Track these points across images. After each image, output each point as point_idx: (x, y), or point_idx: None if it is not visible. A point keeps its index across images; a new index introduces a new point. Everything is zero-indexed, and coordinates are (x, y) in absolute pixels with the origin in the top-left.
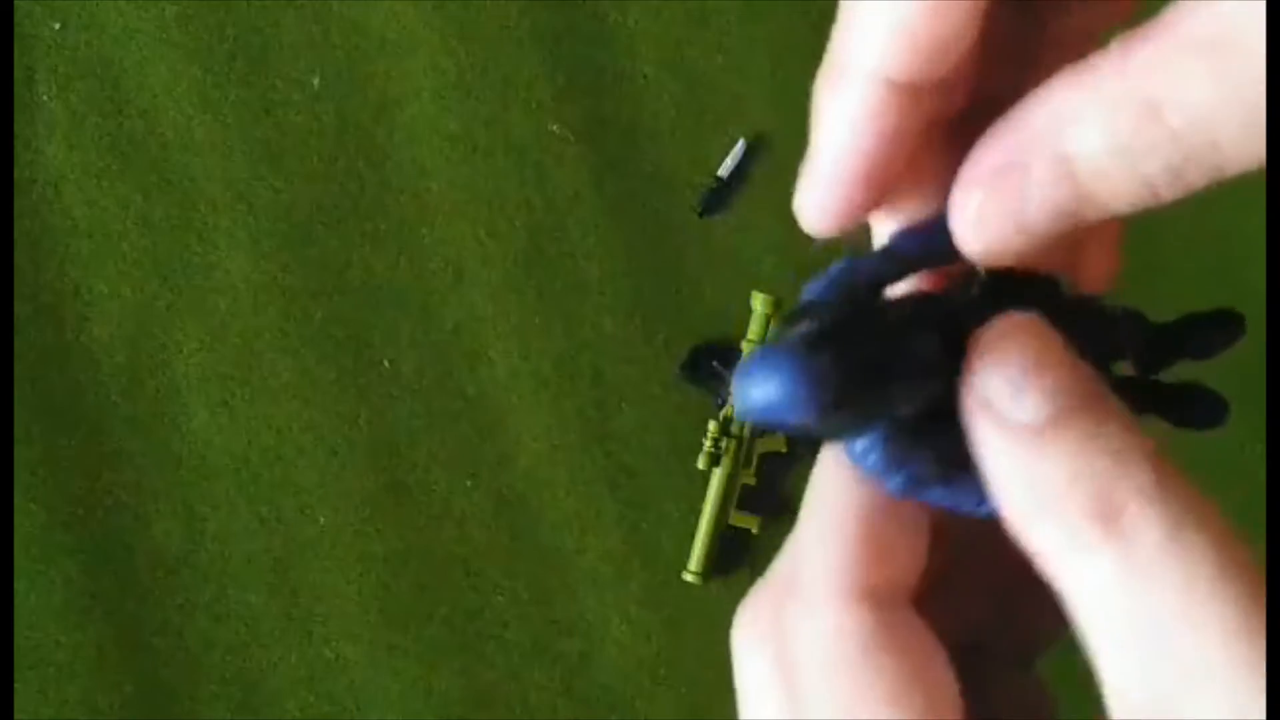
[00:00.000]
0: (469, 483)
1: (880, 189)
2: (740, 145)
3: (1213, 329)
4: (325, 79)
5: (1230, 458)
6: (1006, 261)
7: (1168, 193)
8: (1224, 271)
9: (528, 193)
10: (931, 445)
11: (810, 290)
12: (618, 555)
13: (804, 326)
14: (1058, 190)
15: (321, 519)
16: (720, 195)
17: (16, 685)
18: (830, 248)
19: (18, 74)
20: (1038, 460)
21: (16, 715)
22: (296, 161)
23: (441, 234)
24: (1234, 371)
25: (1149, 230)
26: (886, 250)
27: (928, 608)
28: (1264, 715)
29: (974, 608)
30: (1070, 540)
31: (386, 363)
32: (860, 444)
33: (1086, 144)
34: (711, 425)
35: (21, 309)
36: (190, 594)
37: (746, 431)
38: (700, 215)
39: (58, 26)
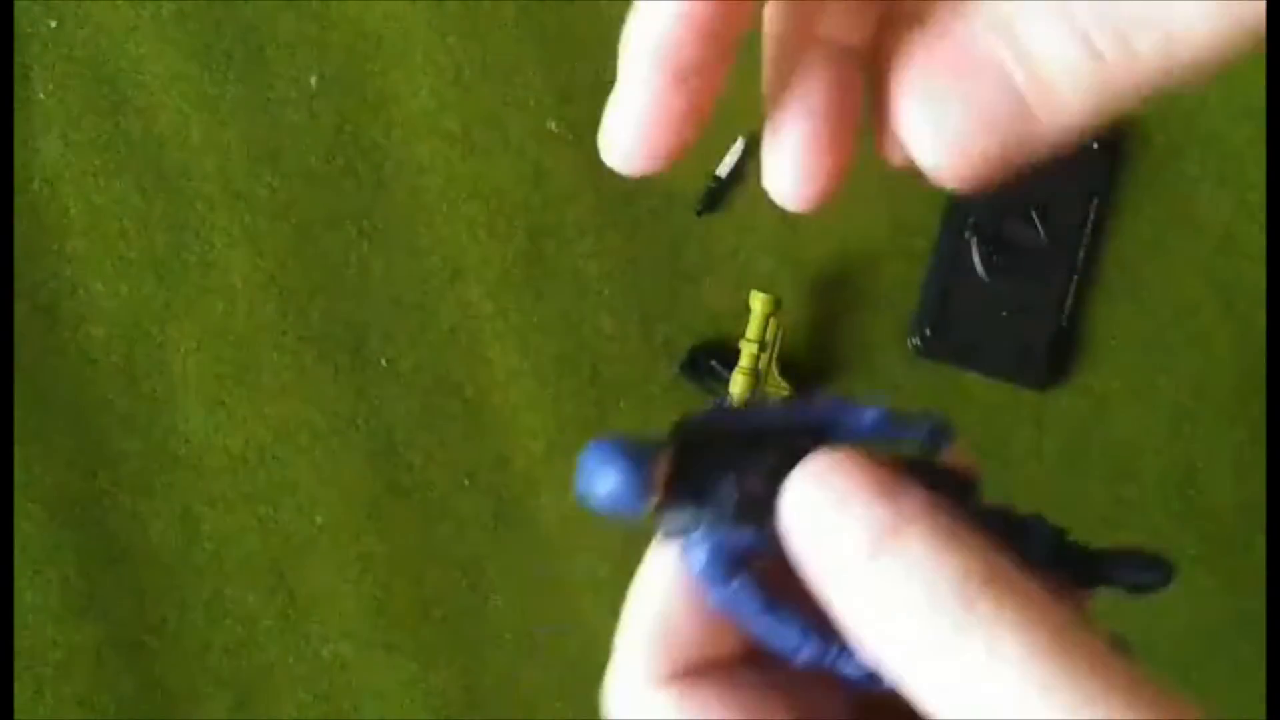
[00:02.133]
0: (466, 482)
1: (695, 90)
2: (739, 144)
3: (1140, 569)
4: (323, 77)
5: (1229, 456)
6: (965, 179)
7: (1118, 70)
8: (1224, 272)
9: (526, 191)
10: (757, 570)
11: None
12: (615, 555)
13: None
14: (1010, 75)
15: (319, 518)
16: (718, 194)
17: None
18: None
19: (14, 71)
20: (868, 584)
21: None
22: (294, 160)
23: (439, 233)
24: (1232, 370)
25: (1154, 233)
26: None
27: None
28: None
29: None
30: (928, 641)
31: (384, 362)
32: (695, 547)
33: (1034, 19)
34: None
35: (18, 307)
36: (187, 593)
37: None
38: (699, 214)
39: (54, 24)
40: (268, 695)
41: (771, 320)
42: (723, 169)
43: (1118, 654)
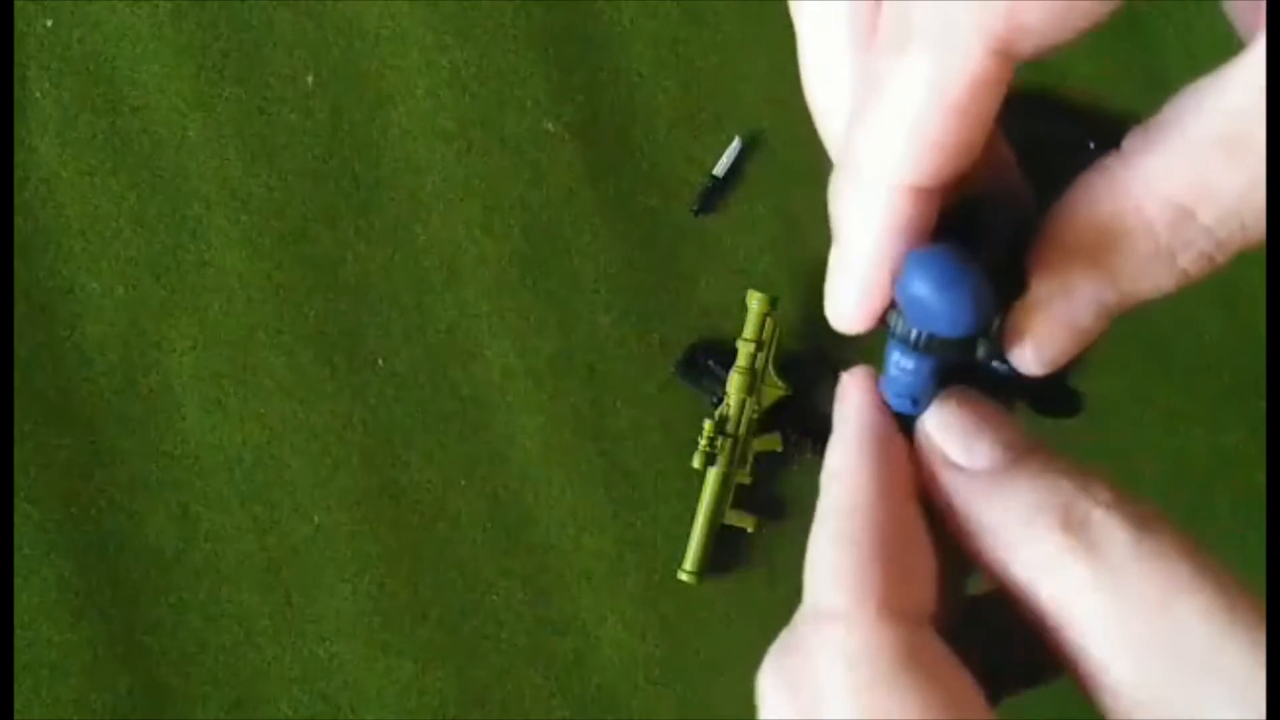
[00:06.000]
0: (463, 482)
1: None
2: (736, 144)
3: (1058, 396)
4: (319, 76)
5: (1227, 456)
6: (1059, 366)
7: (1200, 275)
8: (1227, 271)
9: (523, 190)
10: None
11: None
12: (612, 554)
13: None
14: (1104, 298)
15: (315, 518)
16: (716, 194)
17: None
18: None
19: (12, 71)
20: (1003, 497)
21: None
22: (290, 159)
23: (436, 232)
24: (1227, 369)
25: None
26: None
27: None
28: (1265, 699)
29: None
30: (1044, 560)
31: (381, 361)
32: (916, 356)
33: (1128, 257)
34: (707, 424)
35: (14, 307)
36: (184, 593)
37: (742, 431)
38: (696, 214)
39: (50, 24)
40: (264, 695)
41: (768, 319)
42: (720, 169)
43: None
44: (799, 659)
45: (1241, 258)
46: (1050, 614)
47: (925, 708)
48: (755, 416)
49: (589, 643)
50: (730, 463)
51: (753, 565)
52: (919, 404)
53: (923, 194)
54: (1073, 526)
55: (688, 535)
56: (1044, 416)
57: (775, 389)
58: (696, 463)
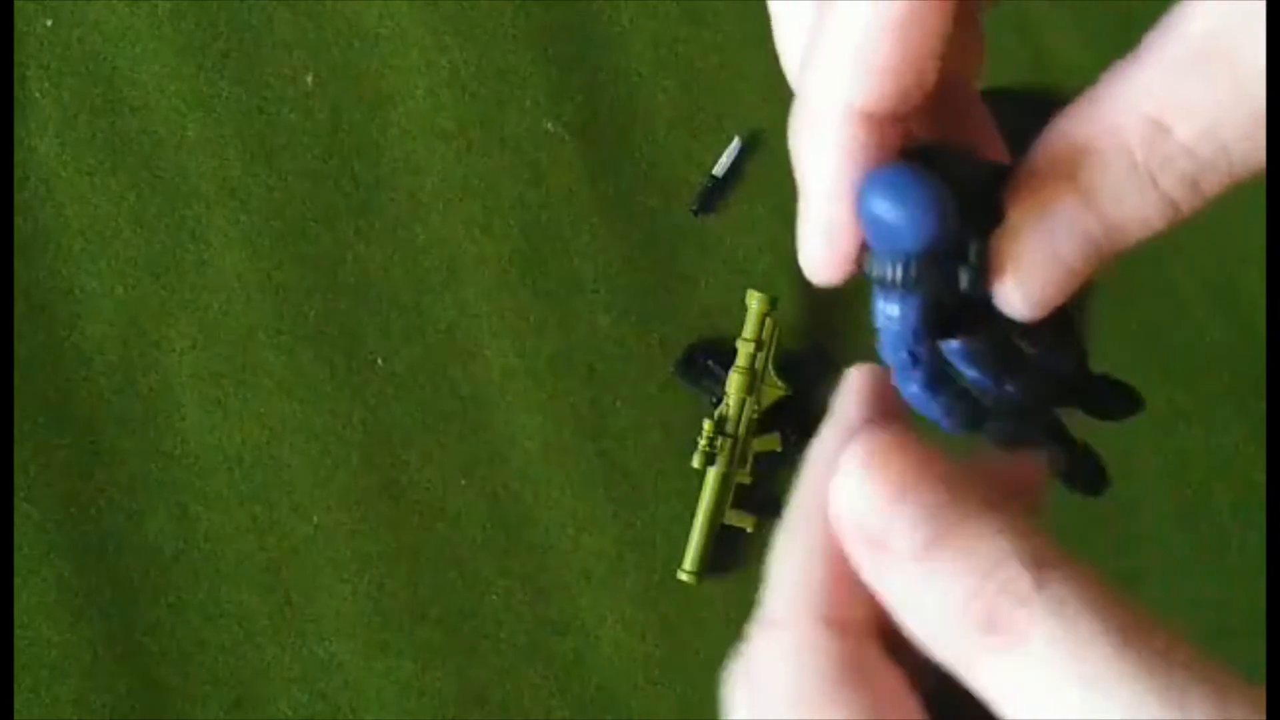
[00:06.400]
0: (463, 481)
1: None
2: (735, 144)
3: (1117, 395)
4: (319, 76)
5: (1227, 456)
6: (1049, 309)
7: (1187, 205)
8: (1219, 272)
9: (522, 190)
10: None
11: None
12: (612, 554)
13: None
14: (1085, 224)
15: (315, 518)
16: (715, 193)
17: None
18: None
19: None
20: (921, 587)
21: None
22: (290, 159)
23: (435, 231)
24: (1227, 369)
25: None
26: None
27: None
28: None
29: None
30: (968, 654)
31: (380, 360)
32: (903, 300)
33: (1104, 174)
34: (706, 424)
35: (14, 307)
36: (183, 593)
37: (742, 431)
38: (695, 213)
39: (50, 23)
40: (264, 695)
41: (768, 319)
42: (719, 168)
43: (1179, 644)
44: (751, 664)
45: (1241, 257)
46: (983, 694)
47: (856, 714)
48: (755, 416)
49: (589, 642)
50: (730, 462)
51: (752, 565)
52: (919, 362)
53: (875, 122)
54: (994, 627)
55: (687, 535)
56: (1101, 419)
57: (775, 389)
58: (696, 463)
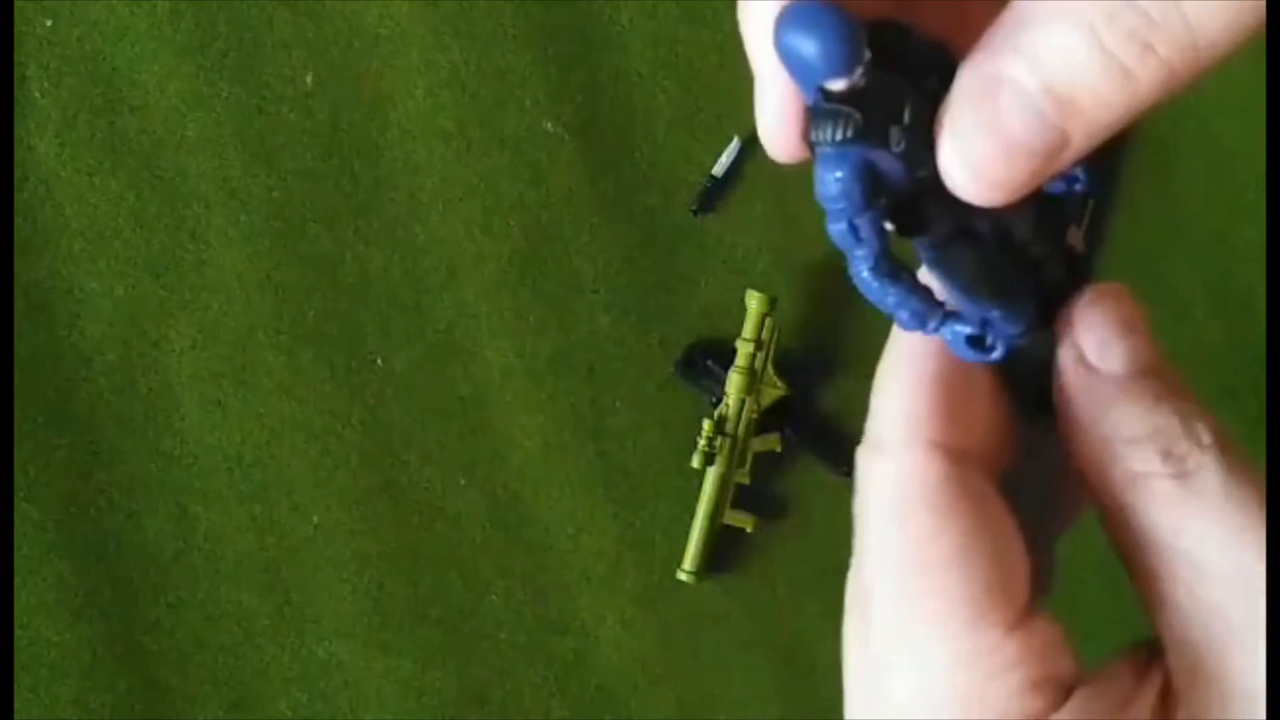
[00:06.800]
0: (463, 481)
1: None
2: (735, 144)
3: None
4: (319, 76)
5: None
6: (1004, 199)
7: (1143, 73)
8: (1218, 272)
9: (522, 190)
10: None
11: None
12: (612, 554)
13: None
14: (1028, 90)
15: (314, 518)
16: (715, 193)
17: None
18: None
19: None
20: (1117, 411)
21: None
22: (289, 159)
23: (435, 231)
24: (1227, 369)
25: (1148, 232)
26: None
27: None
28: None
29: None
30: (1140, 478)
31: (380, 360)
32: (840, 160)
33: (1047, 35)
34: (706, 424)
35: (14, 307)
36: (182, 593)
37: (741, 431)
38: (695, 213)
39: (49, 23)
40: (263, 695)
41: (767, 319)
42: (719, 168)
43: None
44: (859, 485)
45: (1241, 257)
46: (1132, 526)
47: (963, 536)
48: (754, 416)
49: (588, 643)
50: (729, 463)
51: (752, 565)
52: (861, 240)
53: None
54: (1172, 459)
55: (687, 535)
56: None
57: (774, 389)
58: (696, 463)
